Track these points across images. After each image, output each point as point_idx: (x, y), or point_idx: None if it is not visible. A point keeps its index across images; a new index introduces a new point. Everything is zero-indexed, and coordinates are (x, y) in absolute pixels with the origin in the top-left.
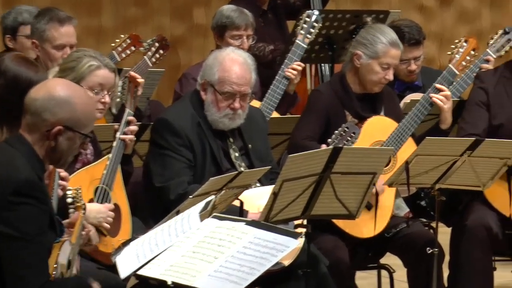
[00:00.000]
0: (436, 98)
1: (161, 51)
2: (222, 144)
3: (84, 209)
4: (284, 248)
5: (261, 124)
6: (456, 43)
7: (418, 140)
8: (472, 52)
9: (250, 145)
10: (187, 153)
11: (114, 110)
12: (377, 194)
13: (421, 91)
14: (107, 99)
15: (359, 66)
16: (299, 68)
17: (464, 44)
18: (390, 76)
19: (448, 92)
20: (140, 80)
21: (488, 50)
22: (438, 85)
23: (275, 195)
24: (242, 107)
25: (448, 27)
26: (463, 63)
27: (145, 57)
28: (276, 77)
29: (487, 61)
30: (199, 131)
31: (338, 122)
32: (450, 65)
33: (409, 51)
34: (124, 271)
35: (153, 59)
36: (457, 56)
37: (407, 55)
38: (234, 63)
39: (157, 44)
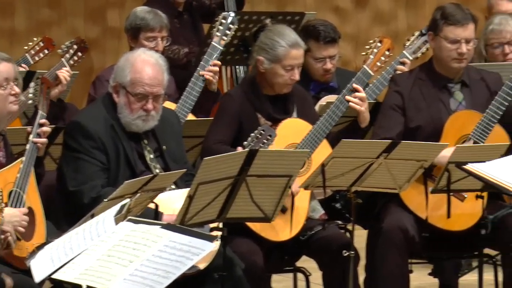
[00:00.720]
0: (352, 101)
1: (79, 54)
2: (136, 146)
3: (2, 211)
4: (199, 252)
5: (175, 125)
6: (371, 43)
7: (333, 138)
8: (387, 53)
9: (164, 147)
10: (101, 156)
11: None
12: (292, 197)
13: (337, 93)
14: (16, 89)
15: (263, 71)
16: (216, 68)
17: (379, 44)
18: (296, 76)
19: (363, 94)
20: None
21: (404, 51)
22: (355, 85)
23: (190, 198)
24: (155, 108)
25: (364, 29)
26: (378, 63)
27: (62, 59)
28: (192, 79)
29: (403, 63)
30: (112, 134)
31: (250, 125)
32: (364, 66)
33: (324, 49)
34: (38, 275)
35: (71, 62)
36: (371, 56)
37: (322, 54)
38: (146, 64)
39: (75, 47)
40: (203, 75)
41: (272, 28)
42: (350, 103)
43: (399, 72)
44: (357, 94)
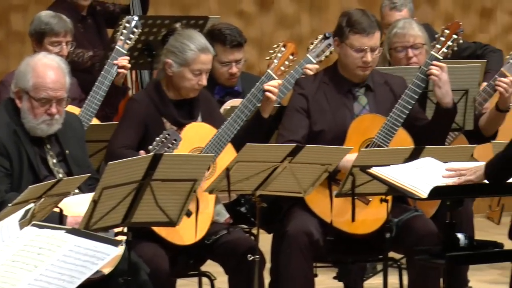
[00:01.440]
0: (267, 86)
1: None
2: (39, 151)
3: None
4: (104, 256)
5: (78, 130)
6: (275, 47)
7: (237, 139)
8: (291, 57)
9: (67, 151)
10: (4, 161)
11: None
12: (197, 201)
13: (241, 97)
14: None
15: (171, 74)
16: (125, 62)
17: (283, 48)
18: (203, 81)
19: (279, 81)
20: None
21: (308, 55)
22: (265, 86)
23: (95, 202)
24: (59, 112)
25: (268, 32)
26: (282, 67)
27: None
28: (96, 83)
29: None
30: (15, 139)
31: (155, 130)
32: (268, 70)
33: (230, 53)
34: None
35: None
36: (275, 61)
37: (228, 58)
38: (48, 68)
39: None
40: (116, 64)
41: (182, 32)
42: (266, 86)
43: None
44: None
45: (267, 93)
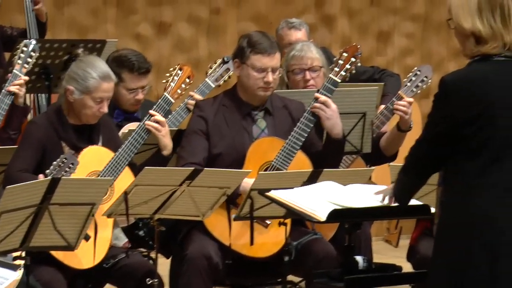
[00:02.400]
0: (150, 125)
1: None
2: None
3: None
4: (3, 281)
5: None
6: (171, 71)
7: (140, 170)
8: (187, 80)
9: None
10: None
11: None
12: (95, 225)
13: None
14: None
15: (72, 101)
16: (21, 81)
17: (179, 72)
18: (104, 108)
19: (161, 118)
20: None
21: (207, 79)
22: (152, 112)
23: None
24: None
25: (165, 56)
26: (179, 91)
27: None
28: None
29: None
30: None
31: (54, 154)
32: (165, 93)
33: (138, 80)
34: None
35: None
36: (172, 84)
37: (136, 84)
38: None
39: None
40: (9, 91)
41: (84, 58)
42: (150, 128)
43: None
44: (155, 118)
45: (152, 130)
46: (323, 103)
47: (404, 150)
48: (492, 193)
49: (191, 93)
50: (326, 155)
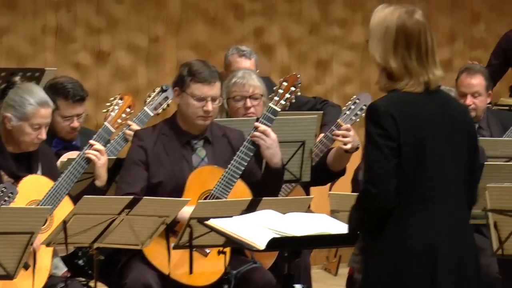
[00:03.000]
0: (90, 153)
1: None
2: None
3: None
4: None
5: None
6: (111, 100)
7: (76, 200)
8: (128, 110)
9: None
10: None
11: None
12: (34, 254)
13: (79, 151)
14: None
15: (10, 128)
16: None
17: (120, 101)
18: (43, 135)
19: (101, 147)
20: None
21: (145, 108)
22: (92, 141)
23: None
24: None
25: (104, 85)
26: (119, 120)
27: None
28: None
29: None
30: None
31: None
32: (105, 123)
33: (73, 108)
34: None
35: None
36: (112, 113)
37: (71, 112)
38: None
39: None
40: None
41: (22, 85)
42: (89, 154)
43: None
44: (95, 147)
45: (92, 157)
46: (263, 132)
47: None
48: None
49: (129, 122)
50: (265, 184)
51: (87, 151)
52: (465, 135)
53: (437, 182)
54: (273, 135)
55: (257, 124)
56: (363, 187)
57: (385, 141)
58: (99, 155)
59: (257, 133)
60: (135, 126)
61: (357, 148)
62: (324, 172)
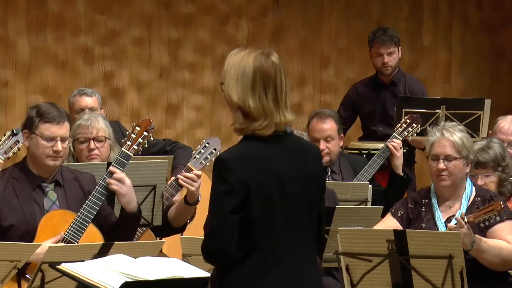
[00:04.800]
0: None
1: None
2: None
3: None
4: None
5: None
6: None
7: None
8: None
9: None
10: None
11: None
12: None
13: None
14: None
15: None
16: None
17: None
18: None
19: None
20: None
21: None
22: None
23: None
24: None
25: None
26: None
27: None
28: None
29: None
30: None
31: None
32: None
33: None
34: None
35: None
36: None
37: None
38: None
39: None
40: None
41: None
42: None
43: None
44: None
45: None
46: (119, 180)
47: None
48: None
49: None
50: (121, 227)
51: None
52: (315, 182)
53: (285, 231)
54: (128, 181)
55: (112, 169)
56: (203, 241)
57: (228, 196)
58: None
59: (112, 181)
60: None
61: (197, 201)
62: (164, 228)
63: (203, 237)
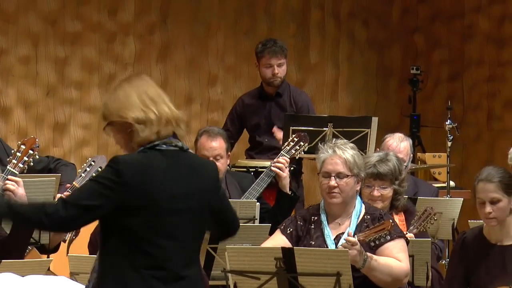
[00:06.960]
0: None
1: None
2: None
3: None
4: None
5: None
6: None
7: None
8: None
9: None
10: None
11: None
12: None
13: None
14: None
15: None
16: None
17: None
18: None
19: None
20: None
21: None
22: None
23: None
24: None
25: None
26: None
27: None
28: None
29: None
30: None
31: None
32: None
33: None
34: None
35: None
36: None
37: None
38: None
39: None
40: None
41: None
42: None
43: None
44: None
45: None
46: (16, 182)
47: None
48: None
49: None
50: (11, 244)
51: None
52: (206, 200)
53: (168, 245)
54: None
55: (10, 177)
56: (55, 207)
57: (114, 185)
58: None
59: (10, 182)
60: None
61: None
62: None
63: (89, 255)
